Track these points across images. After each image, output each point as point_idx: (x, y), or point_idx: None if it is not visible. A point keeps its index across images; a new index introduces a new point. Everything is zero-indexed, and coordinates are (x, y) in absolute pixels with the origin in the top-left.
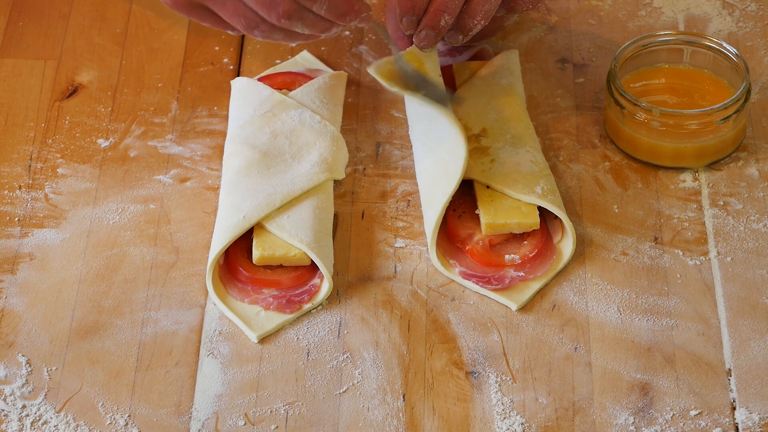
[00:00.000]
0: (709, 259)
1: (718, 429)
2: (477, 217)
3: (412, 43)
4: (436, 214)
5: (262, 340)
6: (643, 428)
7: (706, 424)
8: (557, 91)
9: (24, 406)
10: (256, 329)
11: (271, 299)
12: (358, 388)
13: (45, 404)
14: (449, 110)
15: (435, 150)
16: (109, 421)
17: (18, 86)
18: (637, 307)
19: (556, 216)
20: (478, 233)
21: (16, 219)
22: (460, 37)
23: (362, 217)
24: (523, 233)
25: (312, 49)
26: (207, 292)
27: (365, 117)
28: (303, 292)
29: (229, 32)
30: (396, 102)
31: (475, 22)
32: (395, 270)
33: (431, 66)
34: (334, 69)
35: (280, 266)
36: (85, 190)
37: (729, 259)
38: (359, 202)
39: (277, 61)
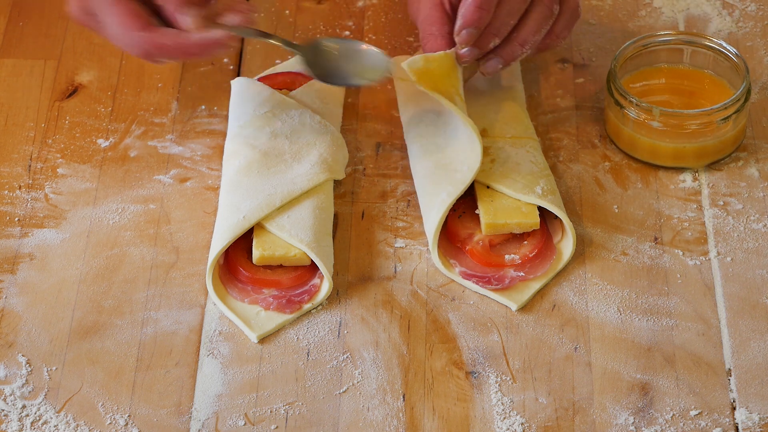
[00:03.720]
0: (709, 259)
1: (718, 429)
2: (477, 217)
3: (443, 46)
4: (439, 215)
5: (262, 340)
6: (643, 428)
7: (706, 424)
8: (557, 91)
9: (24, 406)
10: (256, 329)
11: (271, 299)
12: (358, 388)
13: (45, 404)
14: (464, 112)
15: (434, 152)
16: (109, 421)
17: (18, 86)
18: (637, 307)
19: (556, 216)
20: (478, 233)
21: (16, 219)
22: (500, 66)
23: (362, 217)
24: (523, 233)
25: None
26: (207, 292)
27: (365, 117)
28: (303, 292)
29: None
30: (396, 102)
31: (523, 50)
32: (395, 270)
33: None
34: None
35: (280, 266)
36: (85, 190)
37: (729, 259)
38: (359, 202)
39: (277, 61)
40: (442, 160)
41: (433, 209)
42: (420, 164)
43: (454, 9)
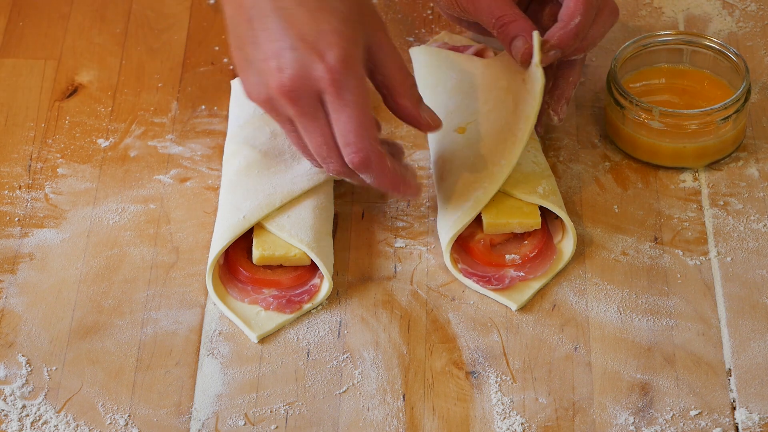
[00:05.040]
0: (709, 259)
1: (718, 429)
2: (478, 216)
3: (530, 27)
4: (475, 211)
5: (262, 340)
6: (643, 428)
7: (706, 424)
8: None
9: (24, 406)
10: (256, 329)
11: (271, 299)
12: (358, 388)
13: (45, 404)
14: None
15: (477, 141)
16: (109, 421)
17: (18, 86)
18: (637, 307)
19: (557, 216)
20: (479, 232)
21: (16, 219)
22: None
23: (362, 217)
24: (524, 233)
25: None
26: (207, 292)
27: None
28: (303, 292)
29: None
30: None
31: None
32: (395, 270)
33: None
34: None
35: (280, 266)
36: (85, 190)
37: (729, 259)
38: (359, 202)
39: None
40: (481, 150)
41: (467, 202)
42: (461, 153)
43: None
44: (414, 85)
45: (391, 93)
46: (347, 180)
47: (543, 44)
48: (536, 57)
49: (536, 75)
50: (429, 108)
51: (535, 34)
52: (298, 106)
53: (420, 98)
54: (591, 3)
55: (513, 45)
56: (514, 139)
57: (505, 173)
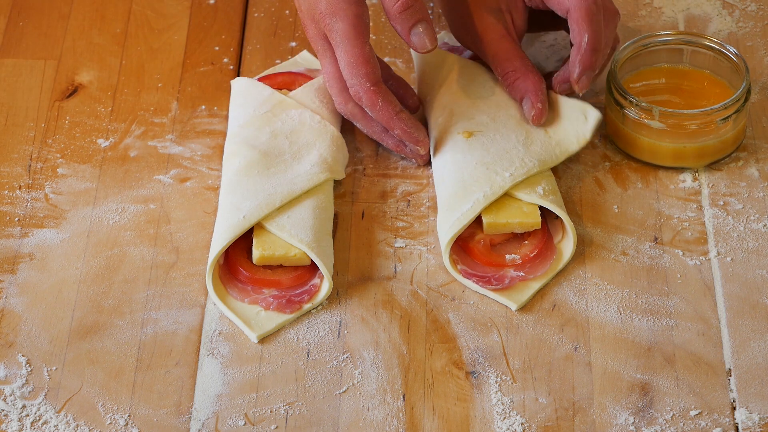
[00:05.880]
0: (709, 259)
1: (718, 429)
2: (478, 216)
3: (540, 80)
4: (473, 213)
5: (262, 340)
6: (643, 428)
7: (706, 424)
8: None
9: (24, 406)
10: (256, 329)
11: (271, 299)
12: (358, 388)
13: (45, 404)
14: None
15: (478, 149)
16: (109, 421)
17: (18, 86)
18: (637, 307)
19: (557, 216)
20: (479, 233)
21: (16, 219)
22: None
23: (362, 217)
24: (524, 233)
25: (312, 49)
26: (207, 292)
27: None
28: (303, 292)
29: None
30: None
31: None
32: (395, 270)
33: None
34: None
35: (280, 266)
36: (85, 190)
37: (729, 259)
38: (359, 202)
39: (277, 61)
40: (485, 158)
41: (466, 204)
42: (462, 156)
43: (519, 34)
44: (410, 6)
45: (387, 16)
46: (355, 123)
47: (563, 82)
48: (589, 135)
49: (572, 142)
50: (427, 29)
51: (596, 114)
52: (313, 42)
53: (420, 18)
54: (591, 12)
55: (523, 105)
56: (523, 166)
57: (508, 185)
